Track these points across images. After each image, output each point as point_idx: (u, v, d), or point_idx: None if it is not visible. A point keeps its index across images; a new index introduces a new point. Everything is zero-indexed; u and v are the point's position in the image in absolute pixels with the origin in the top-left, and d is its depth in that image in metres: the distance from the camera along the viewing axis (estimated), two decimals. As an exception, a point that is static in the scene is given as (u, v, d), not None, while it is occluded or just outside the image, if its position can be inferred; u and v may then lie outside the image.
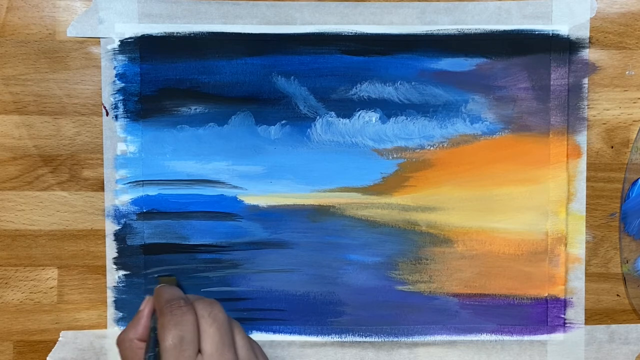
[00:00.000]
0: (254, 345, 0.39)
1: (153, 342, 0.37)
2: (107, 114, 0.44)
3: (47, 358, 0.45)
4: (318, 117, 0.44)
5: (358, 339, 0.45)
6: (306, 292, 0.45)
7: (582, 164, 0.45)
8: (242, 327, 0.39)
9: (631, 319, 0.46)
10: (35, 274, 0.45)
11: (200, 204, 0.44)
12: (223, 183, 0.45)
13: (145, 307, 0.40)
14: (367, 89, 0.44)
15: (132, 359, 0.38)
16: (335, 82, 0.44)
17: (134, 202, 0.44)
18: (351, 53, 0.44)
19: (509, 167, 0.45)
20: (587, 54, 0.44)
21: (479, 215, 0.45)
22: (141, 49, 0.44)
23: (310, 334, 0.45)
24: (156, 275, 0.44)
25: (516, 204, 0.45)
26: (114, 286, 0.45)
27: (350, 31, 0.44)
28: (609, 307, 0.46)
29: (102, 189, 0.44)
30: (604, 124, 0.45)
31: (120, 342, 0.39)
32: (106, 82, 0.44)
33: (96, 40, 0.44)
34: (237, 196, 0.45)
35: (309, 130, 0.44)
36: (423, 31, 0.44)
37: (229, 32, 0.44)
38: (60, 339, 0.45)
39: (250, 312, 0.45)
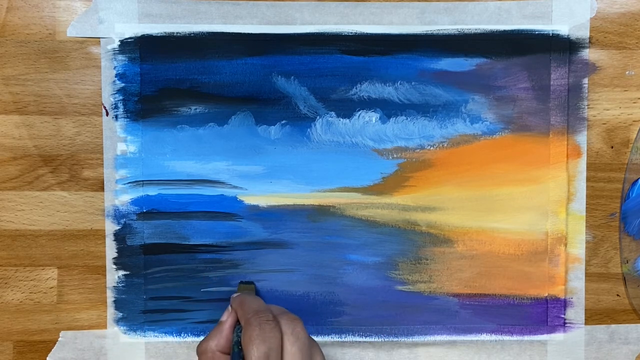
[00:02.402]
0: None
1: (237, 357, 0.37)
2: (107, 114, 0.44)
3: (47, 358, 0.45)
4: (318, 117, 0.44)
5: (358, 339, 0.45)
6: (306, 292, 0.45)
7: (582, 164, 0.45)
8: (321, 350, 0.39)
9: (631, 319, 0.46)
10: (35, 274, 0.45)
11: (200, 204, 0.44)
12: (223, 183, 0.44)
13: (228, 319, 0.39)
14: (367, 89, 0.44)
15: None
16: (335, 82, 0.44)
17: (134, 202, 0.44)
18: (351, 53, 0.44)
19: (509, 167, 0.45)
20: (587, 54, 0.44)
21: (479, 215, 0.45)
22: (141, 49, 0.44)
23: (310, 334, 0.45)
24: (238, 282, 0.44)
25: (516, 204, 0.45)
26: (114, 286, 0.45)
27: (350, 31, 0.44)
28: (609, 307, 0.46)
29: (102, 189, 0.44)
30: (604, 124, 0.45)
31: (202, 352, 0.38)
32: (106, 82, 0.44)
33: (96, 40, 0.44)
34: (237, 196, 0.44)
35: (309, 130, 0.44)
36: (423, 31, 0.44)
37: (229, 32, 0.44)
38: (60, 339, 0.45)
39: (250, 312, 0.45)
